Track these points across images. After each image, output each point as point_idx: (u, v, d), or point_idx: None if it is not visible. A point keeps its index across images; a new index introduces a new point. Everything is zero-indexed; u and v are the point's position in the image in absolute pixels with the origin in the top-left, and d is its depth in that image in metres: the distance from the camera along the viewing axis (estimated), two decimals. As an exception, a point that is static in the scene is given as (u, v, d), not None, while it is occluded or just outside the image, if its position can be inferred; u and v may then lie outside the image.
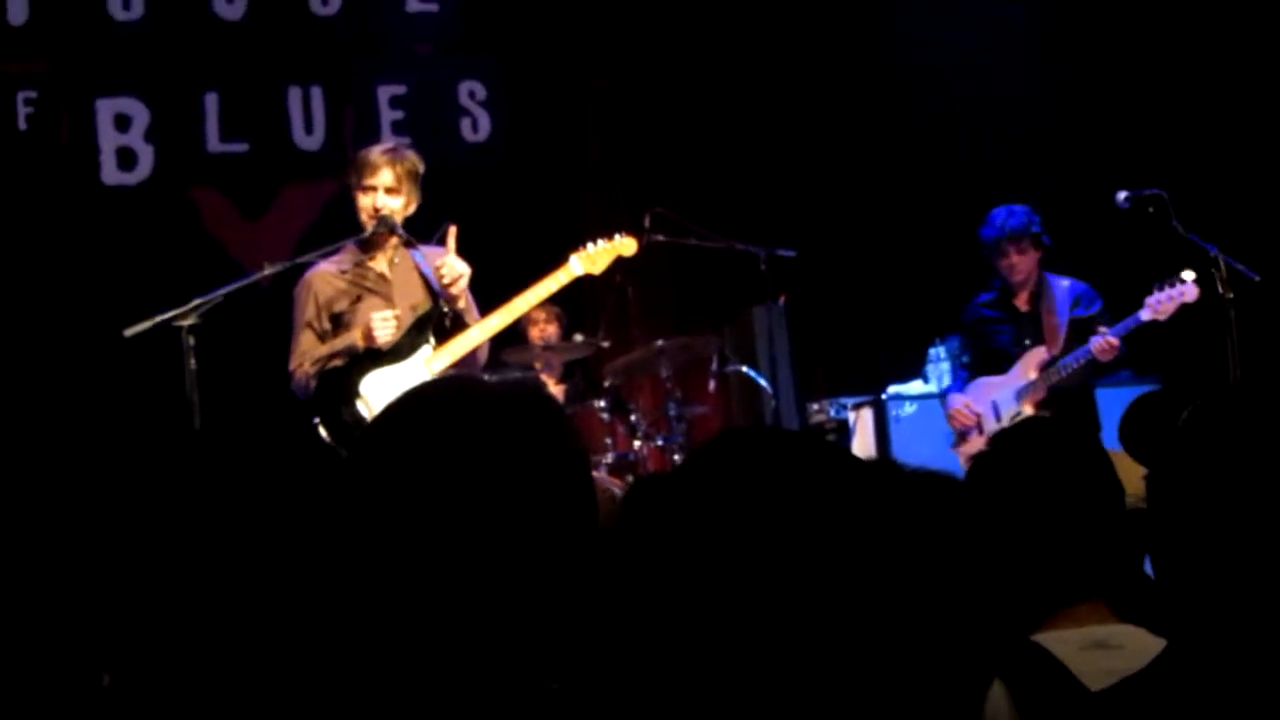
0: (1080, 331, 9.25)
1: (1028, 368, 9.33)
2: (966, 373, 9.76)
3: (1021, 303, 9.48)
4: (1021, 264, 9.36)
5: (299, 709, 2.20)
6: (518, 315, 8.31)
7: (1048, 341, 9.32)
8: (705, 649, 1.64)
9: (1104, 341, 8.93)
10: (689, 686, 1.65)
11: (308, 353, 7.85)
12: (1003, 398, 9.34)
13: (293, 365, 7.88)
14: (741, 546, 1.66)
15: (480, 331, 8.00)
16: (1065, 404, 9.20)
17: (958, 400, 9.56)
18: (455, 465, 2.10)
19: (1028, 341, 9.39)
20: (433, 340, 7.88)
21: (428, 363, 7.79)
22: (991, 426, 9.20)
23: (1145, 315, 8.79)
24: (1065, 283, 9.48)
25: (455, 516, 2.07)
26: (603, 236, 8.45)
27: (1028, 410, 9.19)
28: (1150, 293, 8.78)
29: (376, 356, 7.76)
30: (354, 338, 7.76)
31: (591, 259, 8.37)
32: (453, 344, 7.90)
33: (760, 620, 1.63)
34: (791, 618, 1.62)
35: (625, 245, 8.49)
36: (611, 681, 1.73)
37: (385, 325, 7.72)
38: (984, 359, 9.61)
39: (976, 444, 9.13)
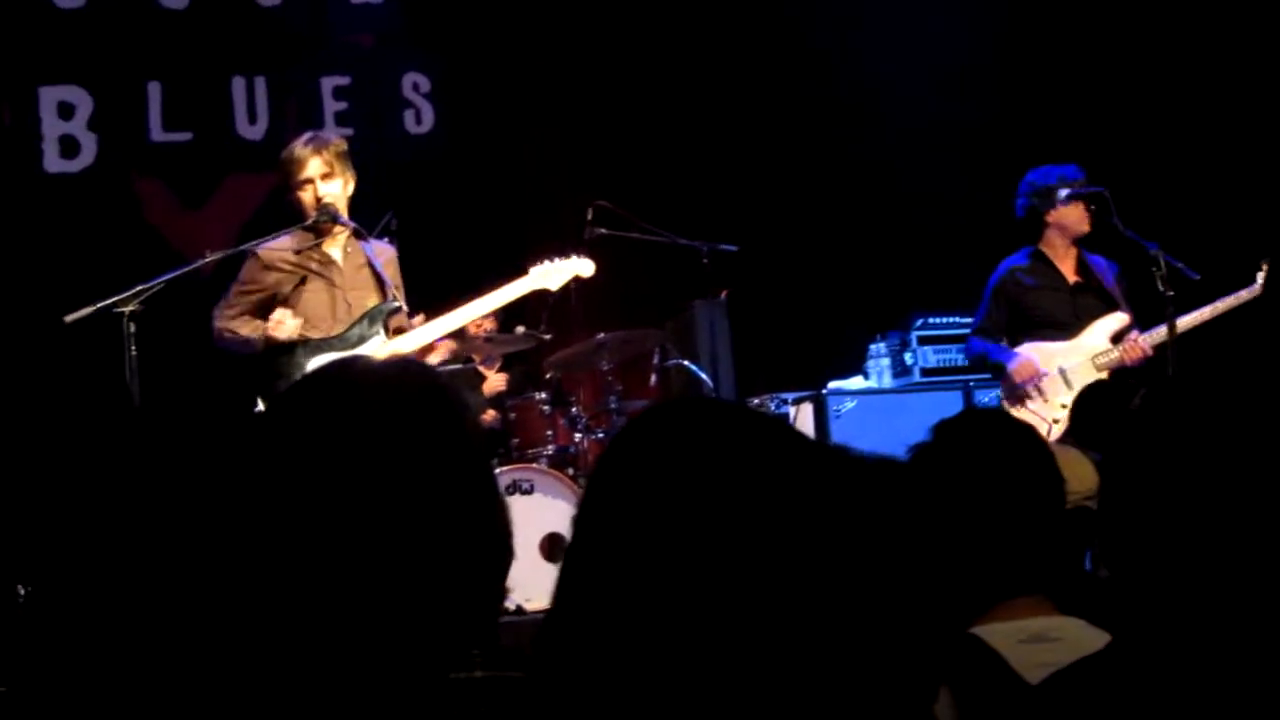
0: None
1: (1099, 335, 9.12)
2: (991, 338, 9.38)
3: (1069, 271, 9.25)
4: (1088, 220, 9.15)
5: (204, 693, 2.20)
6: (473, 318, 8.39)
7: (1122, 311, 9.14)
8: (647, 634, 1.64)
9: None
10: (635, 672, 1.65)
11: (234, 319, 7.90)
12: (1072, 364, 9.07)
13: (218, 318, 7.93)
14: (686, 519, 1.66)
15: (433, 329, 8.04)
16: (1134, 372, 9.02)
17: (1024, 353, 9.16)
18: (340, 447, 2.10)
19: (1088, 311, 9.20)
20: (383, 333, 7.87)
21: (377, 353, 7.77)
22: (1061, 393, 9.04)
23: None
24: (1097, 257, 9.36)
25: (341, 499, 2.08)
26: (560, 255, 8.60)
27: (1104, 377, 9.01)
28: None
29: (326, 343, 7.75)
30: (261, 329, 7.78)
31: (549, 274, 8.47)
32: (406, 337, 7.93)
33: (712, 601, 1.63)
34: (747, 596, 1.62)
35: (584, 266, 8.66)
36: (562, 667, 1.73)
37: (282, 326, 7.73)
38: (1022, 326, 9.28)
39: (1037, 408, 8.97)
